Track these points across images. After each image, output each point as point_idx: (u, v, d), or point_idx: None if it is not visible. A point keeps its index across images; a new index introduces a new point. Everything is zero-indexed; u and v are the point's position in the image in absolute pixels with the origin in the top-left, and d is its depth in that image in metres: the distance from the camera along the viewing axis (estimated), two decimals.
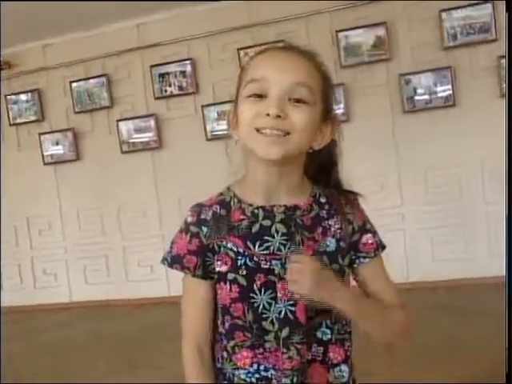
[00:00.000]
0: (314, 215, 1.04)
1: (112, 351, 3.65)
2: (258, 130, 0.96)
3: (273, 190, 1.02)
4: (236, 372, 1.03)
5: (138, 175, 5.00)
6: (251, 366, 1.02)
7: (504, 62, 3.94)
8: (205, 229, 1.03)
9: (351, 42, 4.41)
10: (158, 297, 4.86)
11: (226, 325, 1.03)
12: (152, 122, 4.91)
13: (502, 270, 3.47)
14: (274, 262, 1.00)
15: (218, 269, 1.02)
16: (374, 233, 1.08)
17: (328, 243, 1.03)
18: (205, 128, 4.75)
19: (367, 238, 1.06)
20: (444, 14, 4.20)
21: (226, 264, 1.02)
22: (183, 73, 4.83)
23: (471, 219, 4.33)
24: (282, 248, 1.01)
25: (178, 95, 4.87)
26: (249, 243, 1.01)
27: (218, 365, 1.07)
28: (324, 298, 0.95)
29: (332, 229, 1.04)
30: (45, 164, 5.23)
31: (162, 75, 4.87)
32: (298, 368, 1.01)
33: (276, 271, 1.00)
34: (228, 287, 1.02)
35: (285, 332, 1.00)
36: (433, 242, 4.39)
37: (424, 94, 4.30)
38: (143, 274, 5.07)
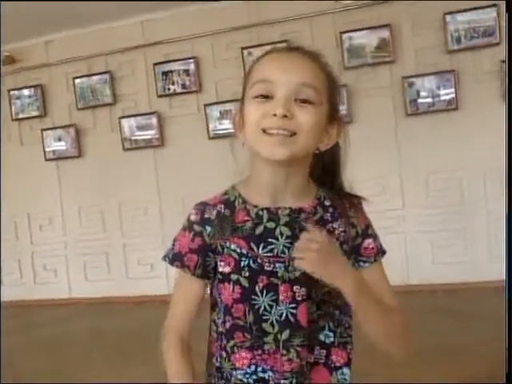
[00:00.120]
0: (319, 218, 1.04)
1: (111, 348, 3.65)
2: (264, 131, 0.96)
3: (278, 192, 1.03)
4: (234, 372, 1.04)
5: (139, 173, 5.01)
6: (249, 366, 1.02)
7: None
8: (208, 228, 1.03)
9: (355, 43, 4.41)
10: (157, 295, 4.86)
11: (227, 325, 1.03)
12: (154, 120, 4.91)
13: (502, 275, 3.47)
14: (277, 264, 1.00)
15: (221, 269, 1.03)
16: (376, 238, 1.08)
17: None
18: (207, 127, 4.75)
19: (369, 242, 1.06)
20: (448, 17, 4.20)
21: (229, 265, 1.02)
22: (186, 71, 4.83)
23: (472, 223, 4.33)
24: (286, 251, 1.00)
25: (181, 93, 4.87)
26: (252, 245, 1.01)
27: (217, 364, 1.07)
28: (328, 277, 0.94)
29: (336, 232, 1.04)
30: (46, 160, 5.23)
31: (165, 73, 4.87)
32: (297, 370, 1.01)
33: (279, 274, 1.00)
34: (230, 288, 1.02)
35: (285, 334, 1.00)
36: (433, 245, 4.39)
37: (427, 96, 4.30)
38: (143, 271, 5.07)
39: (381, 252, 1.08)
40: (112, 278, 5.18)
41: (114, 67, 5.04)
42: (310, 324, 1.01)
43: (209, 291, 1.09)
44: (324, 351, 1.03)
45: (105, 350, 3.63)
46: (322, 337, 1.03)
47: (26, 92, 5.24)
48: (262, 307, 1.01)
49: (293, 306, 1.00)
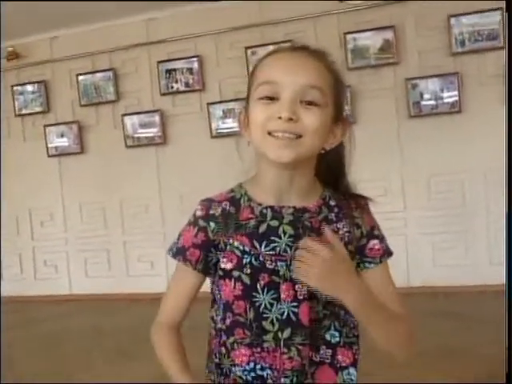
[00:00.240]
0: (323, 218, 1.04)
1: (110, 345, 3.66)
2: (269, 134, 0.96)
3: (283, 191, 1.03)
4: (233, 368, 1.04)
5: (141, 170, 5.01)
6: (248, 363, 1.02)
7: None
8: (212, 224, 1.04)
9: (359, 44, 4.41)
10: (157, 292, 4.86)
11: (227, 321, 1.04)
12: (157, 118, 4.92)
13: (502, 278, 3.47)
14: (279, 263, 1.01)
15: (223, 266, 1.03)
16: (382, 239, 1.08)
17: None
18: (210, 125, 4.75)
19: (374, 243, 1.06)
20: (453, 20, 4.20)
21: (231, 262, 1.02)
22: (190, 70, 4.83)
23: (473, 226, 4.33)
24: (288, 249, 1.01)
25: (184, 92, 4.88)
26: (255, 242, 1.01)
27: (216, 360, 1.07)
28: (331, 292, 0.95)
29: (340, 232, 1.04)
30: (49, 156, 5.24)
31: (168, 71, 4.87)
32: (298, 369, 1.01)
33: (281, 272, 1.01)
34: (232, 284, 1.02)
35: (286, 333, 1.01)
36: (434, 247, 4.39)
37: (430, 99, 4.30)
38: (143, 269, 5.08)
39: (387, 253, 1.07)
40: (112, 274, 5.19)
41: (117, 64, 5.04)
42: (314, 323, 1.01)
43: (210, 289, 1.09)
44: (330, 351, 1.03)
45: (104, 346, 3.64)
46: (327, 336, 1.03)
47: (29, 88, 5.25)
48: (263, 305, 1.01)
49: (294, 304, 1.00)
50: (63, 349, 3.68)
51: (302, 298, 1.00)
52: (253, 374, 1.02)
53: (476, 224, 4.32)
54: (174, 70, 4.86)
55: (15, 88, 5.27)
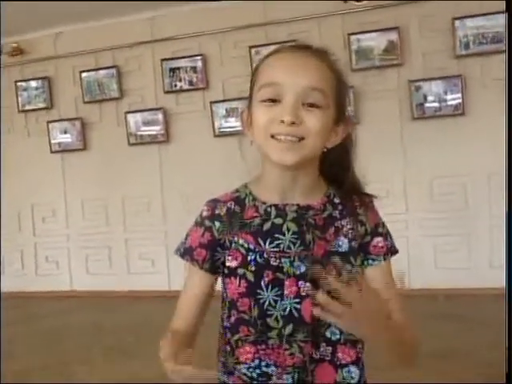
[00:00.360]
0: (327, 215, 1.04)
1: (110, 342, 3.66)
2: (272, 136, 0.97)
3: (287, 190, 1.04)
4: (238, 366, 1.04)
5: (143, 168, 5.02)
6: (253, 361, 1.03)
7: None
8: (218, 224, 1.05)
9: (363, 45, 4.41)
10: (158, 290, 4.87)
11: (232, 319, 1.04)
12: (160, 116, 4.92)
13: (503, 282, 3.46)
14: (283, 259, 1.01)
15: (228, 264, 1.04)
16: (386, 237, 1.08)
17: (340, 243, 1.04)
18: (213, 124, 4.76)
19: (378, 240, 1.06)
20: (457, 22, 4.19)
21: (236, 259, 1.03)
22: (194, 68, 4.83)
23: (475, 229, 4.33)
24: (292, 246, 1.01)
25: (188, 90, 4.88)
26: (260, 240, 1.02)
27: (222, 358, 1.08)
28: (357, 333, 0.93)
29: (344, 229, 1.04)
30: (52, 152, 5.25)
31: (172, 69, 4.87)
32: (299, 365, 1.02)
33: (285, 269, 1.01)
34: (237, 282, 1.03)
35: (288, 329, 1.01)
36: (436, 249, 4.39)
37: (434, 101, 4.29)
38: (144, 266, 5.08)
39: (391, 251, 1.08)
40: (113, 272, 5.19)
41: (121, 62, 5.05)
42: (315, 320, 1.01)
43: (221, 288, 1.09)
44: (330, 348, 1.03)
45: (104, 344, 3.64)
46: (327, 334, 1.03)
47: (33, 84, 5.26)
48: (267, 302, 1.02)
49: (297, 300, 1.01)
50: (63, 345, 3.68)
51: (304, 294, 1.00)
52: (258, 371, 1.03)
53: (478, 227, 4.32)
54: (178, 68, 4.86)
55: (19, 84, 5.28)
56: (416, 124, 4.37)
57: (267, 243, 1.02)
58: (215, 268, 1.06)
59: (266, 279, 1.02)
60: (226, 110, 4.73)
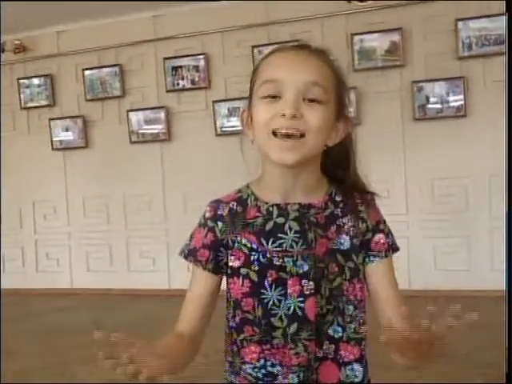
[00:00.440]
0: (329, 213, 1.05)
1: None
2: (274, 133, 0.97)
3: (289, 190, 1.04)
4: (243, 366, 1.05)
5: (145, 166, 5.02)
6: (258, 360, 1.03)
7: None
8: (220, 224, 1.05)
9: (366, 45, 4.41)
10: (158, 289, 4.87)
11: (237, 319, 1.05)
12: (162, 114, 4.92)
13: (503, 284, 3.46)
14: (286, 259, 1.02)
15: (231, 263, 1.04)
16: (388, 234, 1.08)
17: (342, 241, 1.04)
18: (215, 123, 4.76)
19: (379, 237, 1.07)
20: (460, 24, 4.19)
21: (239, 259, 1.03)
22: (196, 67, 4.83)
23: (475, 231, 4.32)
24: (295, 245, 1.02)
25: (190, 89, 4.88)
26: (262, 240, 1.03)
27: (229, 358, 1.08)
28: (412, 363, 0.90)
29: (346, 226, 1.05)
30: (53, 149, 5.25)
31: (174, 68, 4.87)
32: (304, 364, 1.02)
33: (287, 268, 1.01)
34: (240, 282, 1.03)
35: (293, 328, 1.01)
36: (436, 251, 4.39)
37: (436, 102, 4.29)
38: (145, 264, 5.09)
39: (392, 248, 1.08)
40: (114, 269, 5.20)
41: (123, 60, 5.05)
42: (318, 318, 1.02)
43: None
44: (333, 346, 1.04)
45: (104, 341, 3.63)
46: (330, 332, 1.03)
47: (35, 81, 5.26)
48: (271, 302, 1.02)
49: (300, 299, 1.01)
50: (62, 343, 3.68)
51: (308, 293, 1.01)
52: (263, 371, 1.03)
53: (478, 229, 4.32)
54: (180, 67, 4.86)
55: (21, 81, 5.28)
56: (418, 125, 4.36)
57: (270, 243, 1.02)
58: (219, 268, 1.06)
59: (270, 279, 1.02)
60: (228, 109, 4.73)
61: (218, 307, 1.09)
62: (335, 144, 1.05)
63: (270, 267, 1.02)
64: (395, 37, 4.34)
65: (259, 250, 1.03)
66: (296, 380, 1.02)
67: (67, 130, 5.19)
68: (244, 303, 1.03)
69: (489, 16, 4.13)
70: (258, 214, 1.05)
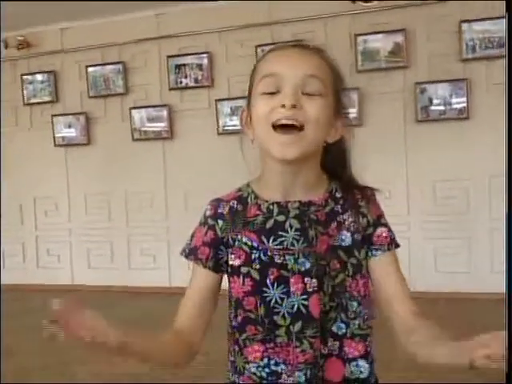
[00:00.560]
0: (329, 210, 1.05)
1: None
2: (274, 127, 0.97)
3: (289, 187, 1.04)
4: (246, 365, 1.04)
5: (147, 164, 5.02)
6: (261, 359, 1.03)
7: None
8: (221, 222, 1.06)
9: (369, 46, 4.41)
10: (158, 286, 4.88)
11: (239, 318, 1.05)
12: (165, 112, 4.93)
13: (503, 287, 3.46)
14: (287, 256, 1.02)
15: (231, 262, 1.04)
16: (389, 229, 1.08)
17: (343, 237, 1.04)
18: (217, 122, 4.76)
19: (382, 230, 1.06)
20: (464, 26, 4.19)
21: (239, 258, 1.03)
22: (200, 66, 4.83)
23: (476, 234, 4.32)
24: (296, 243, 1.02)
25: (193, 87, 4.88)
26: (263, 238, 1.03)
27: (231, 358, 1.08)
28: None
29: (346, 222, 1.05)
30: (56, 146, 5.26)
31: (178, 66, 4.88)
32: (311, 362, 1.02)
33: (289, 266, 1.01)
34: (241, 281, 1.03)
35: (297, 326, 1.01)
36: (436, 253, 4.39)
37: (439, 104, 4.29)
38: (145, 262, 5.09)
39: (394, 243, 1.07)
40: (115, 267, 5.20)
41: (127, 58, 5.05)
42: (321, 315, 1.01)
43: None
44: (337, 343, 1.03)
45: None
46: (334, 328, 1.03)
47: (38, 77, 5.27)
48: (274, 300, 1.02)
49: (304, 297, 1.01)
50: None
51: (311, 290, 1.01)
52: (267, 370, 1.03)
53: (479, 231, 4.31)
54: (184, 65, 4.87)
55: (25, 77, 5.29)
56: (420, 126, 4.36)
57: (271, 241, 1.03)
58: (219, 266, 1.06)
59: (271, 277, 1.02)
60: (231, 108, 4.73)
61: (218, 307, 1.09)
62: (334, 141, 1.05)
63: (271, 265, 1.02)
64: (399, 38, 4.34)
65: (260, 248, 1.03)
66: (303, 378, 1.02)
67: (70, 126, 5.20)
68: (246, 302, 1.03)
69: (493, 18, 4.12)
70: (258, 212, 1.05)
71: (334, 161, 1.09)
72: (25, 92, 5.30)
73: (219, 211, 1.07)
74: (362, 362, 1.05)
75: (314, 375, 1.02)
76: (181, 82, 4.90)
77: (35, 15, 4.82)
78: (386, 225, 1.08)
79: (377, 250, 1.06)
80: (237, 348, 1.06)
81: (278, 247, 1.02)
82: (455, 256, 4.34)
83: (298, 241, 1.02)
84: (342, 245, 1.04)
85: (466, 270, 4.33)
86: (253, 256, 1.03)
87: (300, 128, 0.96)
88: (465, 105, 4.23)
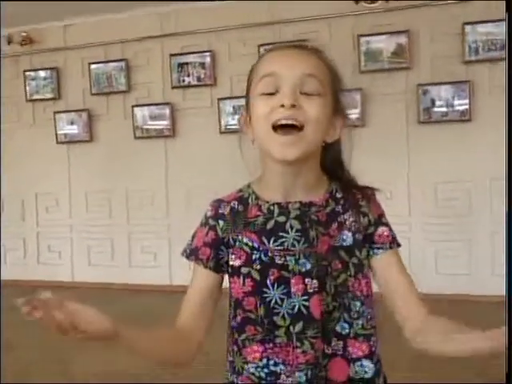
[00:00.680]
0: (330, 211, 1.05)
1: None
2: (274, 128, 0.97)
3: (289, 188, 1.04)
4: (245, 366, 1.05)
5: (149, 162, 5.03)
6: (261, 360, 1.03)
7: None
8: (221, 222, 1.06)
9: (372, 47, 4.41)
10: (159, 284, 4.88)
11: (238, 318, 1.05)
12: (167, 111, 4.93)
13: (503, 289, 3.46)
14: (288, 257, 1.02)
15: (231, 262, 1.04)
16: (390, 228, 1.09)
17: (344, 237, 1.04)
18: (219, 121, 4.76)
19: (383, 229, 1.07)
20: (468, 28, 4.18)
21: (240, 258, 1.04)
22: (202, 64, 4.83)
23: (477, 236, 4.32)
24: (296, 244, 1.02)
25: (196, 86, 4.89)
26: (264, 239, 1.03)
27: (230, 358, 1.08)
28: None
29: (347, 222, 1.05)
30: (58, 142, 5.26)
31: (180, 65, 4.88)
32: (312, 362, 1.02)
33: (290, 267, 1.02)
34: (241, 281, 1.03)
35: (298, 327, 1.01)
36: (437, 255, 4.38)
37: (441, 106, 4.28)
38: (146, 260, 5.09)
39: (396, 242, 1.07)
40: (115, 264, 5.21)
41: (130, 55, 5.05)
42: (324, 316, 1.01)
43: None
44: (341, 343, 1.03)
45: None
46: (338, 328, 1.03)
47: (41, 74, 5.27)
48: (274, 300, 1.02)
49: (305, 298, 1.01)
50: (62, 337, 3.69)
51: (312, 291, 1.01)
52: (266, 370, 1.03)
53: (480, 233, 4.31)
54: (187, 63, 4.87)
55: (27, 73, 5.29)
56: (422, 128, 4.36)
57: (271, 242, 1.03)
58: (219, 266, 1.06)
59: (272, 278, 1.02)
60: (233, 107, 4.73)
61: (218, 307, 1.09)
62: (334, 141, 1.05)
63: (271, 266, 1.02)
64: (402, 39, 4.34)
65: (260, 248, 1.03)
66: (304, 378, 1.02)
67: (72, 123, 5.20)
68: (246, 302, 1.03)
69: (496, 21, 4.11)
70: (259, 212, 1.05)
71: (333, 161, 1.09)
72: (27, 88, 5.31)
73: (220, 212, 1.07)
74: (366, 362, 1.04)
75: (314, 375, 1.02)
76: (183, 81, 4.90)
77: (39, 12, 4.82)
78: (386, 224, 1.08)
79: (378, 248, 1.06)
80: (236, 348, 1.06)
81: (279, 248, 1.02)
82: (456, 258, 4.34)
83: (298, 241, 1.02)
84: (344, 245, 1.04)
85: (467, 272, 4.33)
86: (253, 256, 1.03)
87: (300, 128, 0.97)
88: (467, 107, 4.22)
